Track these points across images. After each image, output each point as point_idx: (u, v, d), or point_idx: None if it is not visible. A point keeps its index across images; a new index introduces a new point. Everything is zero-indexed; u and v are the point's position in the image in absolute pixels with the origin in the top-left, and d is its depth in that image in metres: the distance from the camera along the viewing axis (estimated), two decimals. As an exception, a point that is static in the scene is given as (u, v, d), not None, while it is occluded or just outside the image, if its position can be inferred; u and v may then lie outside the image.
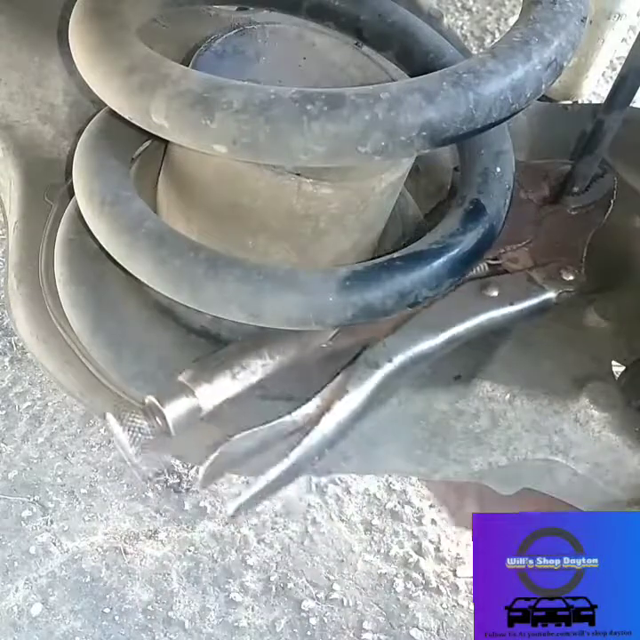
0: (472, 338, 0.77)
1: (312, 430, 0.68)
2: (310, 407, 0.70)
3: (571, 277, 0.81)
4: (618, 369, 0.83)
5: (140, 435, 0.66)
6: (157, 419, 0.66)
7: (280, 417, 0.70)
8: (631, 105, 0.80)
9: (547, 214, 0.87)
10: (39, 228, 0.86)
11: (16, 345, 1.58)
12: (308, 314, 0.62)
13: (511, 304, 0.78)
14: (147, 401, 0.67)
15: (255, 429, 0.69)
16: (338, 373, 0.71)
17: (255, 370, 0.69)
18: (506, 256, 0.83)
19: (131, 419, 0.66)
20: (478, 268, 0.81)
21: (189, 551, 1.39)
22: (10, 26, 0.94)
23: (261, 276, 0.61)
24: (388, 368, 0.71)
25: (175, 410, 0.66)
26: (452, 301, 0.75)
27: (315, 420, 0.69)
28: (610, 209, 0.87)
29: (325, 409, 0.69)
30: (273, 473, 0.67)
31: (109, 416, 0.66)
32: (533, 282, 0.80)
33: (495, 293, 0.78)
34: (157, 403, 0.66)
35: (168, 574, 1.37)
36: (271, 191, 0.66)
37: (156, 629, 1.30)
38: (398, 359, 0.71)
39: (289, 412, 0.70)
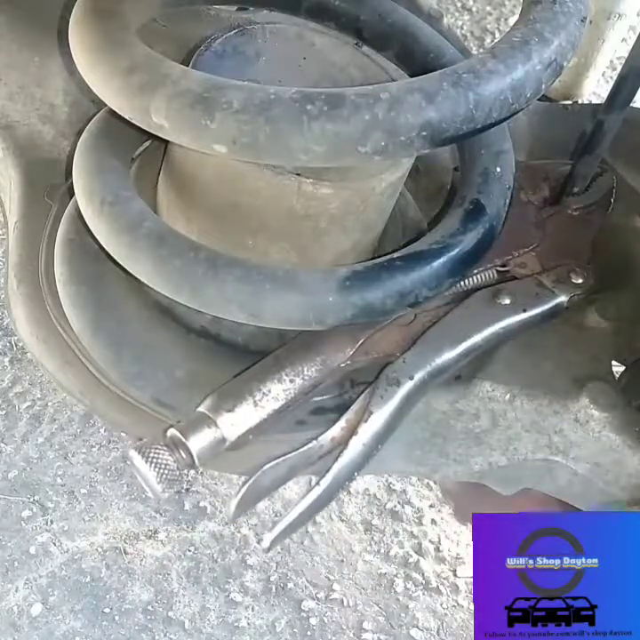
0: (489, 347, 0.76)
1: (340, 455, 0.68)
2: (336, 430, 0.70)
3: (580, 280, 0.81)
4: (618, 369, 0.83)
5: (166, 471, 0.64)
6: (182, 452, 0.65)
7: (307, 443, 0.69)
8: (631, 105, 0.81)
9: (549, 216, 0.87)
10: (39, 228, 0.86)
11: (16, 345, 1.58)
12: (308, 314, 0.62)
13: (524, 311, 0.78)
14: (169, 434, 0.66)
15: (283, 458, 0.68)
16: (360, 394, 0.71)
17: (277, 395, 0.68)
18: (514, 262, 0.83)
19: (155, 454, 0.64)
20: (487, 276, 0.81)
21: (189, 551, 1.39)
22: (10, 26, 0.94)
23: (261, 275, 0.61)
24: (409, 385, 0.70)
25: (199, 442, 0.65)
26: (466, 312, 0.75)
27: (341, 443, 0.69)
28: (610, 208, 0.87)
29: (350, 431, 0.69)
30: (305, 502, 0.67)
31: (133, 453, 0.65)
32: (544, 287, 0.80)
33: (508, 301, 0.77)
34: (181, 436, 0.65)
35: (168, 574, 1.37)
36: (271, 191, 0.66)
37: (156, 629, 1.30)
38: (418, 375, 0.71)
39: (315, 437, 0.69)
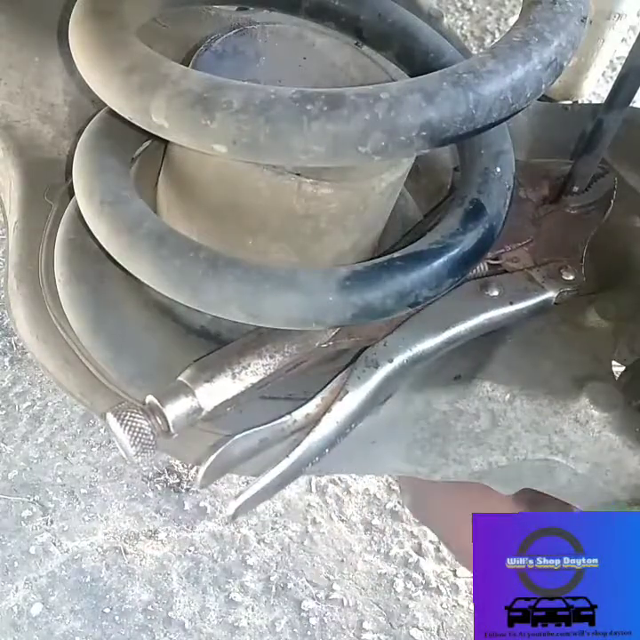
0: (472, 337, 0.77)
1: (312, 430, 0.68)
2: (310, 407, 0.70)
3: (571, 277, 0.81)
4: (618, 369, 0.83)
5: (140, 434, 0.66)
6: (158, 418, 0.66)
7: (280, 417, 0.70)
8: (631, 105, 0.81)
9: (546, 214, 0.87)
10: (39, 228, 0.86)
11: (16, 345, 1.58)
12: (308, 314, 0.62)
13: (511, 303, 0.78)
14: (147, 400, 0.67)
15: (255, 429, 0.69)
16: (338, 373, 0.71)
17: (256, 370, 0.69)
18: (506, 255, 0.83)
19: (131, 418, 0.66)
20: (478, 268, 0.81)
21: (189, 551, 1.39)
22: (10, 25, 0.94)
23: (261, 275, 0.61)
24: (388, 368, 0.71)
25: (175, 410, 0.66)
26: (453, 301, 0.75)
27: (315, 420, 0.69)
28: (610, 209, 0.87)
29: (325, 409, 0.70)
30: (273, 473, 0.67)
31: (109, 415, 0.66)
32: (534, 281, 0.80)
33: (496, 293, 0.78)
34: (158, 402, 0.66)
35: (168, 574, 1.37)
36: (271, 191, 0.66)
37: (156, 629, 1.30)
38: (398, 359, 0.72)
39: (289, 412, 0.70)
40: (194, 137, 0.56)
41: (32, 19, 0.94)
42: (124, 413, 0.66)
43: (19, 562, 1.34)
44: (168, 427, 0.66)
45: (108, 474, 1.45)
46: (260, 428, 0.69)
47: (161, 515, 1.42)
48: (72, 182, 0.69)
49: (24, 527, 1.38)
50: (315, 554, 1.43)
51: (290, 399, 0.73)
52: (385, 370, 0.71)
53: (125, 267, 0.64)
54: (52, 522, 1.39)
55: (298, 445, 0.68)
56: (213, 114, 0.54)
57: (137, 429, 0.66)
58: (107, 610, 1.31)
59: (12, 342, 1.59)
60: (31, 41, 0.94)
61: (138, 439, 0.66)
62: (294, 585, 1.38)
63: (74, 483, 1.44)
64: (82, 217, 0.68)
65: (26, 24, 0.94)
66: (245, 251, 0.70)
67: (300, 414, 0.70)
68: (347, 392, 0.69)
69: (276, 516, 1.45)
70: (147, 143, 0.77)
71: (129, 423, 0.66)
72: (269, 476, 0.67)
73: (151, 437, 0.66)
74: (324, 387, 0.71)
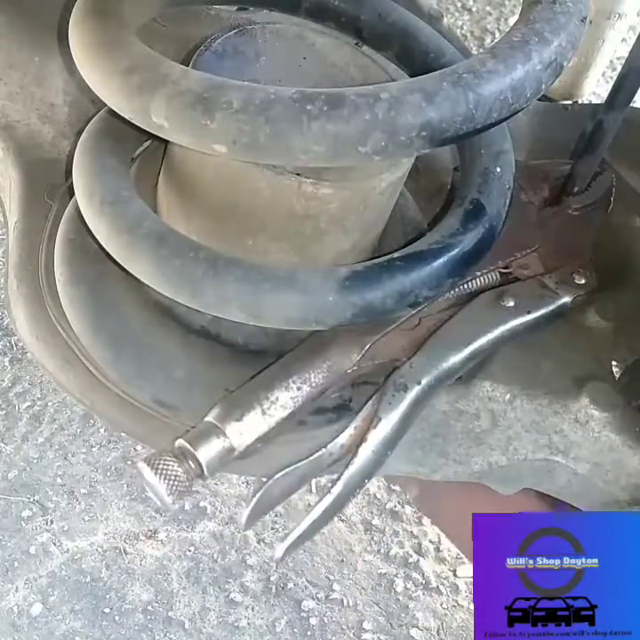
0: (494, 350, 0.76)
1: (351, 463, 0.68)
2: (345, 437, 0.70)
3: (583, 281, 0.81)
4: (618, 369, 0.83)
5: (176, 482, 0.64)
6: (191, 462, 0.65)
7: (317, 451, 0.69)
8: (631, 105, 0.81)
9: (549, 216, 0.87)
10: (39, 228, 0.86)
11: (16, 345, 1.58)
12: (308, 314, 0.62)
13: (529, 312, 0.78)
14: (177, 444, 0.65)
15: (294, 467, 0.68)
16: (367, 400, 0.71)
17: (285, 403, 0.68)
18: (516, 263, 0.83)
19: (165, 466, 0.64)
20: (490, 278, 0.81)
21: (189, 551, 1.39)
22: (10, 25, 0.94)
23: (261, 275, 0.61)
24: (416, 390, 0.70)
25: (208, 452, 0.64)
26: (471, 315, 0.75)
27: (351, 451, 0.69)
28: (610, 206, 0.87)
29: (360, 438, 0.69)
30: (317, 510, 0.67)
31: (142, 465, 0.64)
32: (547, 288, 0.80)
33: (512, 303, 0.77)
34: (190, 446, 0.64)
35: (168, 574, 1.37)
36: (271, 191, 0.66)
37: (156, 629, 1.30)
38: (426, 380, 0.71)
39: (325, 445, 0.69)
40: (194, 137, 0.56)
41: (32, 19, 0.94)
42: (156, 461, 0.64)
43: (19, 562, 1.34)
44: (202, 470, 0.64)
45: (108, 474, 1.45)
46: (298, 464, 0.68)
47: (161, 515, 1.42)
48: (72, 182, 0.69)
49: (24, 527, 1.38)
50: (315, 554, 1.42)
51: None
52: (414, 392, 0.70)
53: (125, 267, 0.64)
54: (51, 522, 1.39)
55: (338, 480, 0.67)
56: (213, 114, 0.54)
57: (172, 477, 0.64)
58: (107, 610, 1.31)
59: (12, 342, 1.59)
60: (31, 41, 0.94)
61: (174, 487, 0.64)
62: (294, 585, 1.38)
63: (74, 483, 1.44)
64: (82, 217, 0.68)
65: (26, 24, 0.94)
66: (245, 251, 0.70)
67: (335, 446, 0.69)
68: (380, 419, 0.68)
69: (276, 516, 1.45)
70: (147, 143, 0.77)
71: (163, 472, 0.64)
72: (314, 513, 0.67)
73: (186, 483, 0.64)
74: (356, 415, 0.70)
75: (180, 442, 0.65)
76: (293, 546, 0.67)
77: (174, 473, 0.64)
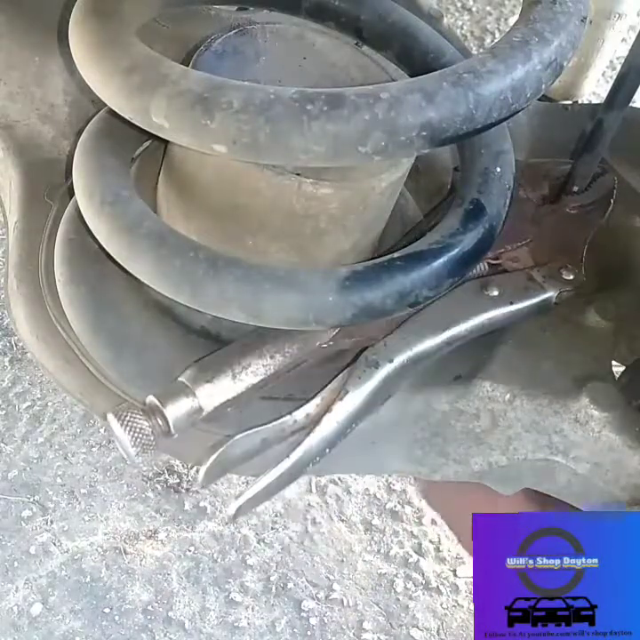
0: (473, 337, 0.77)
1: (312, 431, 0.68)
2: (310, 407, 0.70)
3: (571, 277, 0.81)
4: (618, 369, 0.83)
5: (141, 435, 0.66)
6: (158, 419, 0.66)
7: (280, 417, 0.70)
8: (631, 104, 0.81)
9: (546, 213, 0.87)
10: (39, 228, 0.86)
11: (16, 345, 1.58)
12: (308, 314, 0.62)
13: (511, 303, 0.78)
14: (147, 401, 0.67)
15: (256, 429, 0.69)
16: (338, 373, 0.71)
17: (256, 370, 0.69)
18: (506, 255, 0.83)
19: (132, 419, 0.66)
20: (478, 268, 0.81)
21: (189, 551, 1.39)
22: (10, 25, 0.94)
23: (261, 275, 0.61)
24: (388, 368, 0.71)
25: (176, 410, 0.66)
26: (453, 301, 0.75)
27: (315, 420, 0.69)
28: (610, 208, 0.87)
29: (326, 409, 0.69)
30: (274, 473, 0.67)
31: (110, 416, 0.67)
32: (534, 281, 0.80)
33: (496, 293, 0.78)
34: (158, 403, 0.66)
35: (168, 574, 1.36)
36: (271, 191, 0.66)
37: (156, 629, 1.30)
38: (398, 359, 0.71)
39: (289, 412, 0.70)
40: (194, 137, 0.56)
41: (32, 19, 0.94)
42: (124, 414, 0.66)
43: (19, 562, 1.34)
44: (169, 427, 0.66)
45: (108, 474, 1.45)
46: (261, 428, 0.69)
47: (161, 515, 1.42)
48: (72, 182, 0.69)
49: (24, 527, 1.38)
50: (315, 554, 1.42)
51: (290, 399, 0.73)
52: (385, 370, 0.71)
53: (125, 267, 0.64)
54: (51, 522, 1.39)
55: (298, 446, 0.68)
56: (213, 114, 0.54)
57: (138, 430, 0.66)
58: (107, 610, 1.31)
59: (12, 342, 1.58)
60: (31, 41, 0.94)
61: (138, 439, 0.66)
62: (294, 585, 1.38)
63: (74, 483, 1.43)
64: (82, 217, 0.68)
65: (26, 24, 0.94)
66: (245, 251, 0.70)
67: (300, 414, 0.70)
68: (347, 392, 0.69)
69: (276, 516, 1.45)
70: (147, 143, 0.77)
71: (130, 424, 0.66)
72: (270, 476, 0.67)
73: (152, 438, 0.66)
74: (325, 387, 0.71)
75: (150, 398, 0.67)
76: (247, 505, 0.68)
77: (140, 426, 0.66)
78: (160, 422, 0.66)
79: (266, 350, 0.70)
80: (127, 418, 0.66)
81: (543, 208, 0.87)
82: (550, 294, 0.80)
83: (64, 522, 1.39)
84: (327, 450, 0.69)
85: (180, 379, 0.68)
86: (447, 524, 1.36)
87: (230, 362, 0.69)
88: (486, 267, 0.82)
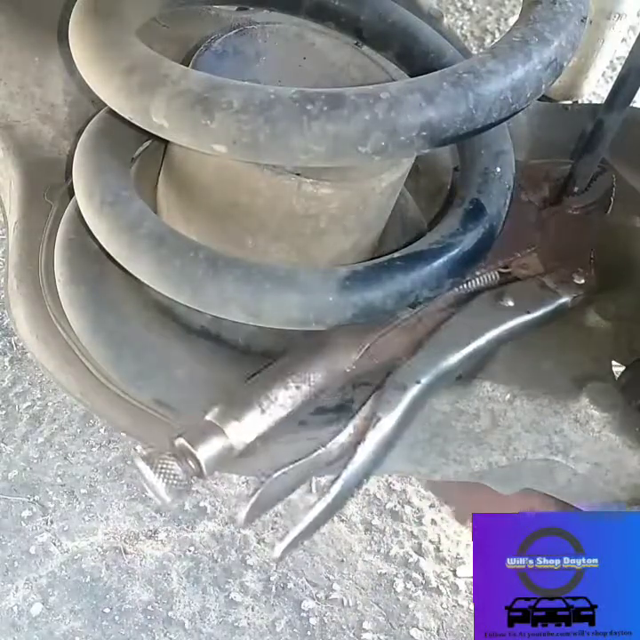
0: (493, 349, 0.76)
1: (349, 462, 0.67)
2: (344, 436, 0.69)
3: (582, 281, 0.81)
4: (618, 369, 0.83)
5: (174, 481, 0.64)
6: (190, 462, 0.65)
7: (316, 450, 0.69)
8: (631, 105, 0.80)
9: (550, 216, 0.87)
10: (39, 228, 0.86)
11: (16, 345, 1.58)
12: (308, 314, 0.62)
13: (528, 312, 0.78)
14: (177, 443, 0.65)
15: (293, 465, 0.68)
16: (367, 399, 0.71)
17: (284, 402, 0.68)
18: (516, 263, 0.83)
19: (164, 465, 0.64)
20: (490, 278, 0.81)
21: (189, 551, 1.39)
22: (10, 25, 0.94)
23: (261, 275, 0.61)
24: (415, 389, 0.70)
25: (207, 451, 0.64)
26: (470, 315, 0.75)
27: (349, 450, 0.68)
28: (611, 207, 0.87)
29: (359, 437, 0.68)
30: (316, 510, 0.66)
31: (140, 463, 0.65)
32: (547, 288, 0.80)
33: (511, 303, 0.78)
34: (189, 445, 0.64)
35: (168, 574, 1.36)
36: (271, 191, 0.66)
37: (156, 629, 1.30)
38: (425, 379, 0.71)
39: (324, 445, 0.69)
40: (194, 137, 0.56)
41: (32, 19, 0.94)
42: (155, 460, 0.64)
43: (19, 562, 1.34)
44: (201, 469, 0.64)
45: (108, 474, 1.45)
46: (297, 463, 0.68)
47: (161, 515, 1.42)
48: (72, 182, 0.69)
49: (24, 527, 1.38)
50: (315, 554, 1.42)
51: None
52: (413, 391, 0.70)
53: (125, 267, 0.64)
54: (51, 522, 1.39)
55: (337, 480, 0.67)
56: (213, 114, 0.54)
57: (171, 476, 0.64)
58: (107, 610, 1.31)
59: (12, 342, 1.58)
60: (31, 41, 0.94)
61: (173, 486, 0.64)
62: (294, 585, 1.38)
63: (74, 483, 1.43)
64: (82, 217, 0.68)
65: (26, 24, 0.94)
66: (245, 251, 0.70)
67: (334, 445, 0.69)
68: (379, 418, 0.68)
69: (276, 516, 1.45)
70: (147, 143, 0.77)
71: (162, 470, 0.64)
72: (312, 513, 0.66)
73: (185, 482, 0.64)
74: (355, 414, 0.70)
75: (180, 441, 0.65)
76: (292, 545, 0.67)
77: (173, 472, 0.64)
78: (192, 465, 0.64)
79: (291, 381, 0.69)
80: (159, 464, 0.64)
81: (545, 211, 0.87)
82: (565, 300, 0.80)
83: (64, 522, 1.39)
84: (365, 480, 0.68)
85: (207, 418, 0.66)
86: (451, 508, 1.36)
87: (257, 396, 0.68)
88: (497, 276, 0.81)
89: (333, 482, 0.67)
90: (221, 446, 0.65)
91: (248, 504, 0.66)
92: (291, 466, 0.68)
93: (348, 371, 0.72)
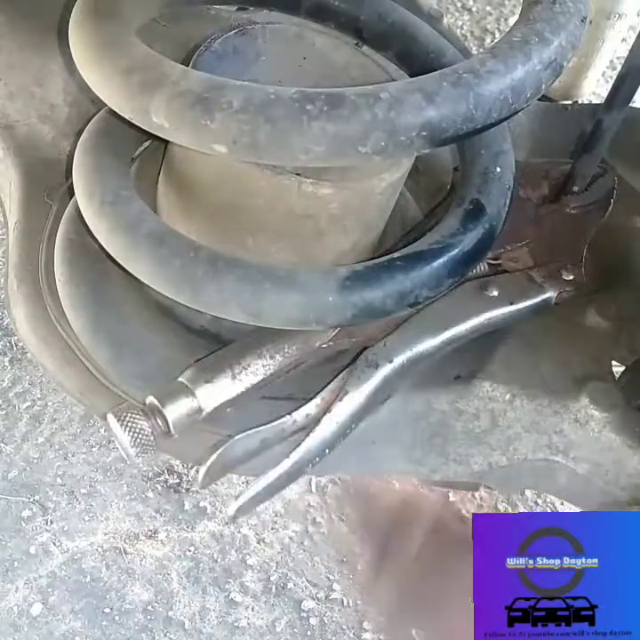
0: (472, 337, 0.77)
1: (312, 431, 0.68)
2: (310, 407, 0.70)
3: (570, 277, 0.82)
4: (618, 369, 0.83)
5: (141, 435, 0.66)
6: (158, 419, 0.66)
7: (280, 417, 0.70)
8: (631, 105, 0.81)
9: (546, 214, 0.87)
10: (39, 228, 0.86)
11: (16, 345, 1.58)
12: (308, 314, 0.62)
13: (511, 303, 0.78)
14: (147, 401, 0.67)
15: (256, 429, 0.69)
16: (338, 374, 0.71)
17: (256, 370, 0.69)
18: (506, 255, 0.83)
19: (131, 419, 0.66)
20: (478, 268, 0.81)
21: (189, 551, 1.39)
22: (10, 26, 0.94)
23: (261, 275, 0.61)
24: (387, 368, 0.71)
25: (176, 410, 0.66)
26: (452, 301, 0.75)
27: (315, 421, 0.69)
28: (610, 208, 0.87)
29: (325, 409, 0.70)
30: (273, 474, 0.67)
31: (110, 416, 0.67)
32: (533, 281, 0.81)
33: (495, 293, 0.78)
34: (158, 403, 0.66)
35: (168, 574, 1.36)
36: (271, 191, 0.66)
37: (156, 629, 1.30)
38: (398, 359, 0.72)
39: (289, 413, 0.70)
40: (194, 137, 0.56)
41: (32, 19, 0.94)
42: (124, 414, 0.66)
43: (19, 562, 1.34)
44: (168, 427, 0.66)
45: (108, 474, 1.45)
46: (261, 428, 0.69)
47: (161, 515, 1.42)
48: (72, 182, 0.69)
49: (24, 527, 1.37)
50: (315, 554, 1.42)
51: (290, 399, 0.73)
52: (385, 370, 0.71)
53: (125, 267, 0.64)
54: (51, 522, 1.39)
55: (298, 446, 0.68)
56: (213, 114, 0.54)
57: (137, 430, 0.66)
58: (107, 610, 1.31)
59: (12, 342, 1.58)
60: (31, 41, 0.94)
61: (138, 440, 0.66)
62: (294, 585, 1.38)
63: (74, 483, 1.43)
64: (82, 217, 0.68)
65: (26, 24, 0.94)
66: (245, 251, 0.70)
67: (300, 414, 0.70)
68: (347, 392, 0.69)
69: (276, 516, 1.44)
70: (147, 143, 0.77)
71: (129, 424, 0.66)
72: (270, 476, 0.67)
73: (151, 438, 0.66)
74: (324, 387, 0.71)
75: (150, 398, 0.67)
76: (246, 506, 0.68)
77: (140, 427, 0.66)
78: (160, 422, 0.66)
79: (266, 350, 0.70)
80: (127, 418, 0.66)
81: (543, 208, 0.87)
82: (550, 294, 0.80)
83: (64, 522, 1.39)
84: (327, 450, 0.69)
85: (179, 379, 0.68)
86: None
87: (230, 362, 0.69)
88: (486, 267, 0.82)
89: (294, 448, 0.68)
90: (190, 407, 0.66)
91: (208, 462, 0.67)
92: (255, 429, 0.69)
93: (324, 346, 0.72)
